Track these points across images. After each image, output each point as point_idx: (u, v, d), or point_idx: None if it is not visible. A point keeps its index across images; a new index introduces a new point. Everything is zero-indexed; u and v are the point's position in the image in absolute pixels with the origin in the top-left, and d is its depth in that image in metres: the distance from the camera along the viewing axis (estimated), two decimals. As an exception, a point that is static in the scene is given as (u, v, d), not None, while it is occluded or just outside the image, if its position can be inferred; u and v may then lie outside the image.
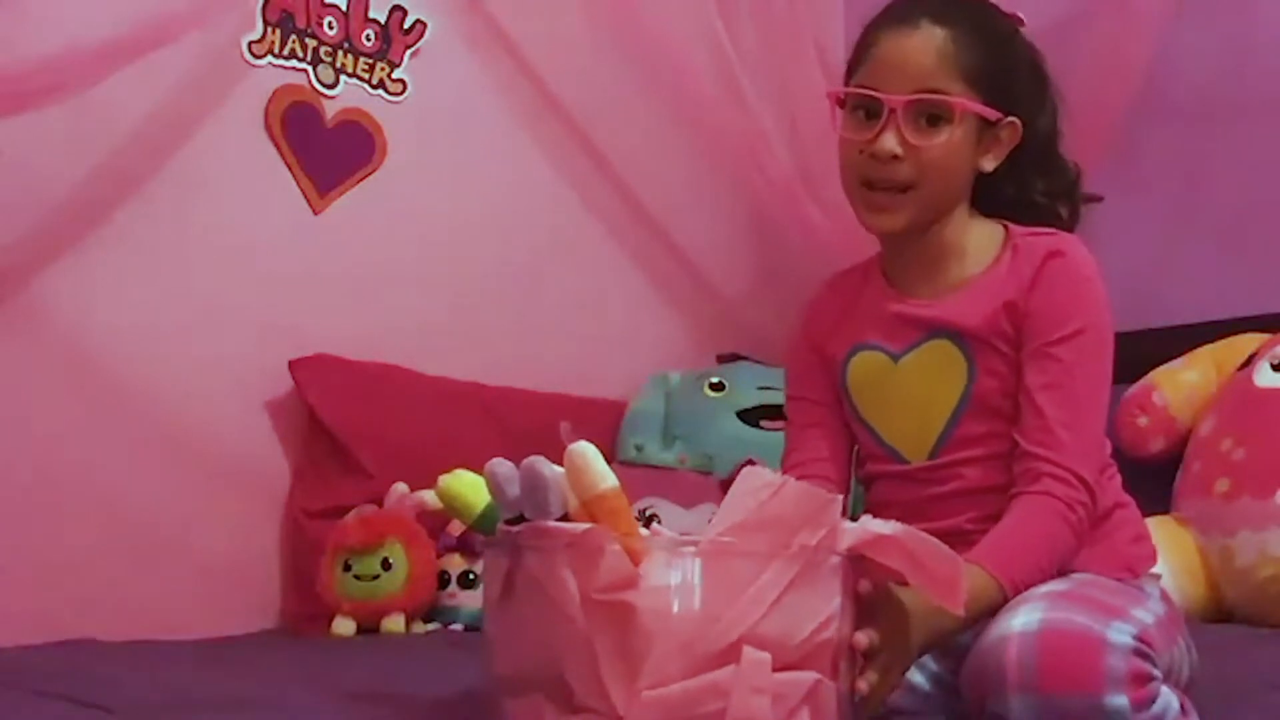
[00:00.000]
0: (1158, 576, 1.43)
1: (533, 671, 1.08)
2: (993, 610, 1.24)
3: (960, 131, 1.37)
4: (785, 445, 1.54)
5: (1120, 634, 1.16)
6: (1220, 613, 2.05)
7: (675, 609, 1.02)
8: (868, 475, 1.50)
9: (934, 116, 1.36)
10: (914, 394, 1.42)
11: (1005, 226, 1.44)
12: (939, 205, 1.41)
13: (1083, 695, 1.13)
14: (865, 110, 1.39)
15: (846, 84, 1.42)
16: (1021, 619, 1.18)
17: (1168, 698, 1.19)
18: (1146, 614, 1.26)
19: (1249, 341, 2.28)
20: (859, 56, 1.42)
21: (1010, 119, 1.40)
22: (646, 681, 1.00)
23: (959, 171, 1.40)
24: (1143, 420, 2.29)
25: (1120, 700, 1.13)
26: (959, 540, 1.35)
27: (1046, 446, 1.33)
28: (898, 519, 1.42)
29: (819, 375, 1.51)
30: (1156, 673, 1.18)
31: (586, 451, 1.08)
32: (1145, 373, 2.33)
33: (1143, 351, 2.21)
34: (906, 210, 1.39)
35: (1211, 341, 2.35)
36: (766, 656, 1.02)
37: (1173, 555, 2.03)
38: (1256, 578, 1.99)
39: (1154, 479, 2.17)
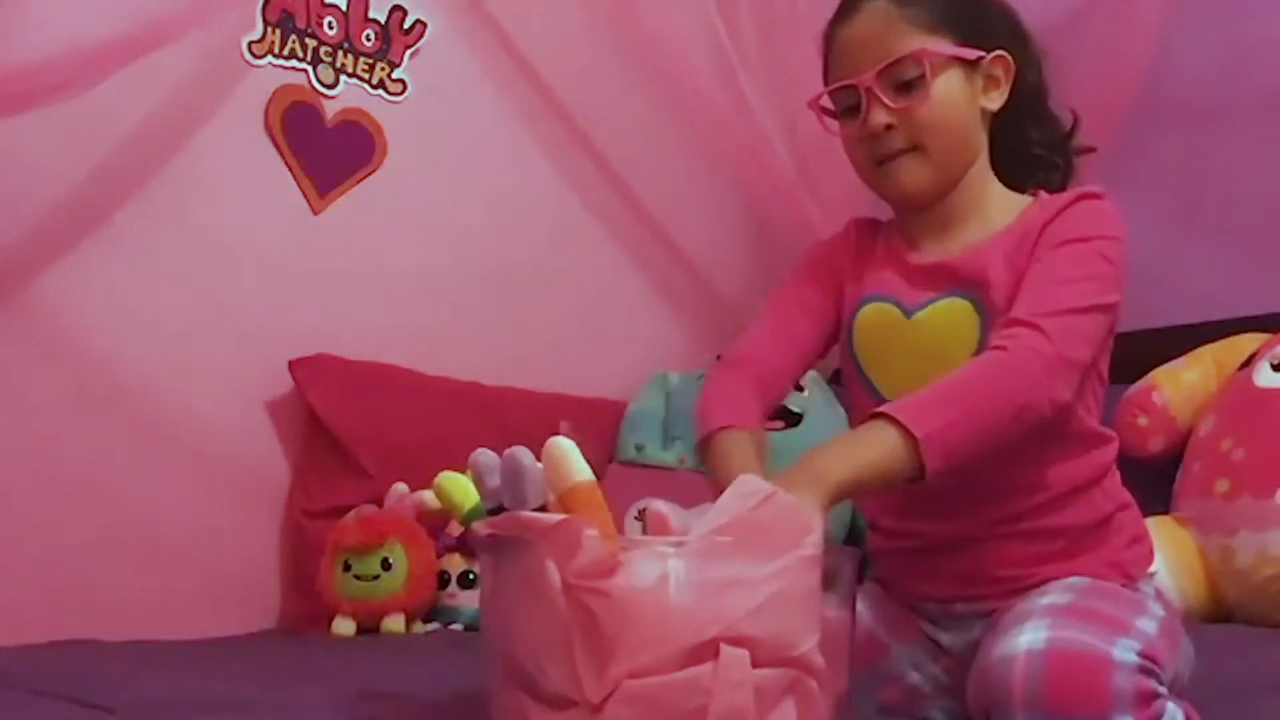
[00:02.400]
0: (1152, 575, 1.42)
1: (518, 664, 1.07)
2: (899, 469, 1.20)
3: (943, 80, 1.36)
4: (751, 328, 1.49)
5: (1126, 651, 1.16)
6: (1220, 613, 2.05)
7: (651, 601, 1.00)
8: None
9: (907, 81, 1.35)
10: (922, 350, 1.38)
11: (1035, 195, 1.42)
12: (956, 158, 1.39)
13: (1089, 717, 1.12)
14: (848, 105, 1.40)
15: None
16: (1027, 637, 1.17)
17: (1173, 713, 1.18)
18: (1150, 622, 1.25)
19: (1249, 341, 2.28)
20: (826, 61, 1.43)
21: (997, 53, 1.38)
22: (618, 670, 0.99)
23: (961, 119, 1.38)
24: (1143, 420, 2.28)
25: None
26: (972, 545, 1.35)
27: (1007, 325, 1.28)
28: (898, 517, 1.42)
29: (823, 289, 1.47)
30: (1162, 689, 1.17)
31: (564, 445, 1.08)
32: (1145, 373, 2.33)
33: (1143, 351, 2.21)
34: (924, 170, 1.38)
35: (1211, 341, 2.35)
36: (744, 652, 1.01)
37: (1173, 555, 2.04)
38: (1256, 578, 1.98)
39: (1154, 479, 2.17)
